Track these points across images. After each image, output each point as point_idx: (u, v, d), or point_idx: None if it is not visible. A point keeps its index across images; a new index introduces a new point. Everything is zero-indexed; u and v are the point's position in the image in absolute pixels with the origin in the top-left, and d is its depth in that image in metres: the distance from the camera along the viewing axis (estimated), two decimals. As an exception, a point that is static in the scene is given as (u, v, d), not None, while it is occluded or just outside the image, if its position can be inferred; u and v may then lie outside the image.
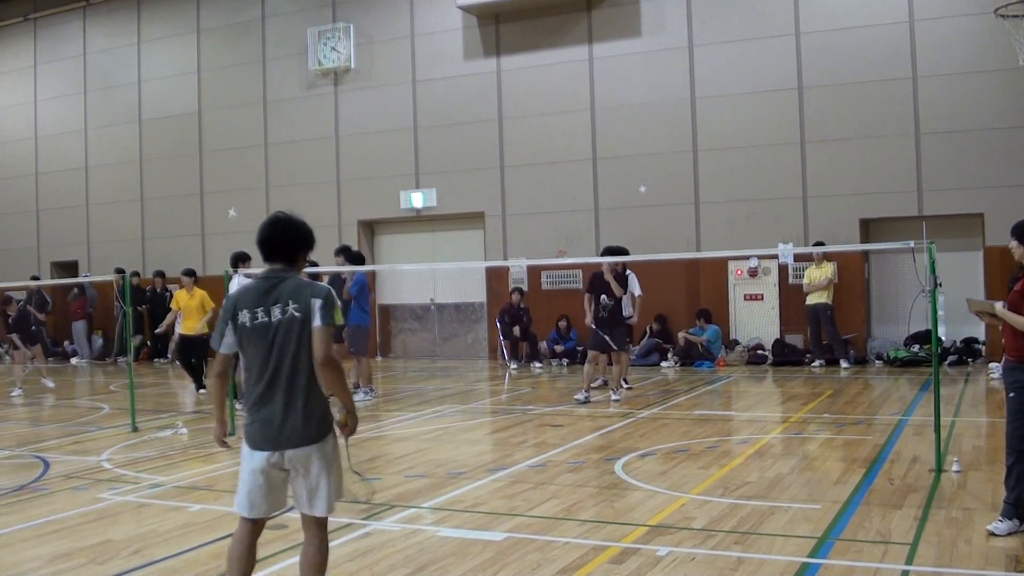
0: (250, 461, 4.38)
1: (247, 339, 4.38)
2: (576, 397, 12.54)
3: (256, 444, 4.36)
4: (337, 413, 4.50)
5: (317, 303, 4.31)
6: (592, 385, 13.19)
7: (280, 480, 4.41)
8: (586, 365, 12.87)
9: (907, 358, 15.64)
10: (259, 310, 4.36)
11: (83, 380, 18.71)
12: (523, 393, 14.21)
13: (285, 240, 4.45)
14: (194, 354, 14.50)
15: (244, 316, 4.38)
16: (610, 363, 13.24)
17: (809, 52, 17.23)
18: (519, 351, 18.29)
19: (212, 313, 14.37)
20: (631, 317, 13.38)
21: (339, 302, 4.49)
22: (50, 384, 15.95)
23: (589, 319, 12.65)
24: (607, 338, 12.45)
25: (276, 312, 4.33)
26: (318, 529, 4.49)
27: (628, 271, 13.87)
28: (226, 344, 4.46)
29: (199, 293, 14.24)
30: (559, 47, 19.22)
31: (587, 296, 12.74)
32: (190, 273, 14.51)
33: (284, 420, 4.32)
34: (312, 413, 4.36)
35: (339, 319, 4.38)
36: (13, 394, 15.20)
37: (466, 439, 10.22)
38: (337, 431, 4.49)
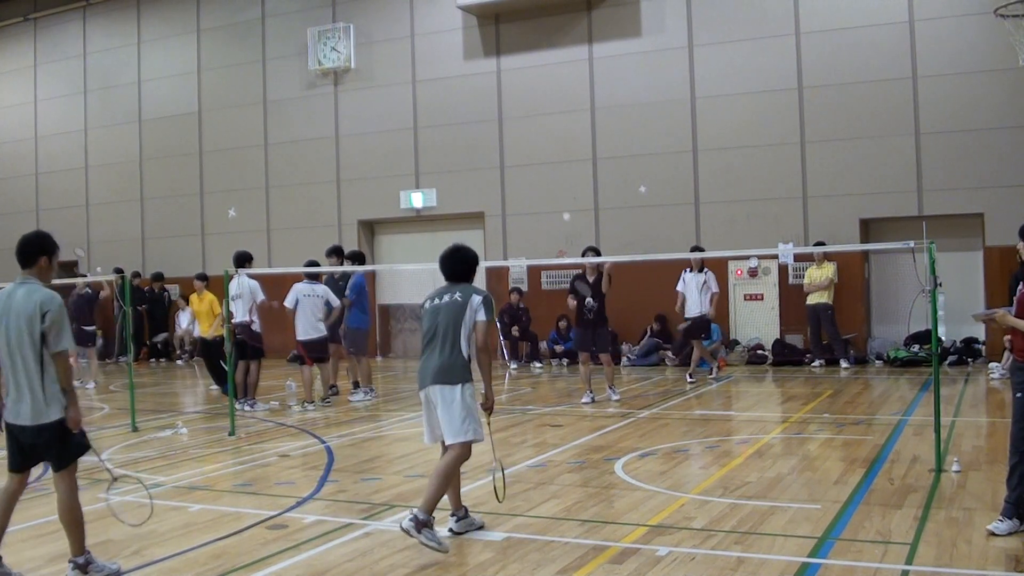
0: (421, 400, 6.18)
1: (425, 315, 6.18)
2: (583, 400, 12.44)
3: (419, 385, 6.13)
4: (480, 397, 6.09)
5: (478, 299, 6.05)
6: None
7: (434, 415, 6.06)
8: (581, 367, 12.83)
9: (907, 358, 15.63)
10: (437, 298, 6.19)
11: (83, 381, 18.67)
12: (523, 393, 14.21)
13: (462, 270, 6.29)
14: (212, 355, 14.54)
15: (429, 303, 6.22)
16: (597, 363, 13.24)
17: (809, 52, 17.23)
18: (519, 351, 18.29)
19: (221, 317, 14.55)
20: (703, 315, 14.51)
21: (494, 303, 6.20)
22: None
23: (573, 315, 12.75)
24: (591, 339, 12.55)
25: (446, 298, 6.14)
26: (449, 451, 5.97)
27: (706, 269, 14.67)
28: None
29: (208, 297, 14.34)
30: (559, 47, 19.21)
31: (570, 297, 12.71)
32: (202, 277, 14.66)
33: (430, 365, 6.03)
34: (448, 362, 5.98)
35: (495, 316, 5.88)
36: (89, 387, 16.13)
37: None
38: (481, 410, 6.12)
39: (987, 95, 16.07)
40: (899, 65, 16.59)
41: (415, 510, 5.71)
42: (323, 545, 6.04)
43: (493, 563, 5.56)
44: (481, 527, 6.26)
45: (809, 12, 17.25)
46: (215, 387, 14.60)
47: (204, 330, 14.39)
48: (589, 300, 12.42)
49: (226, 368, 14.50)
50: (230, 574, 5.53)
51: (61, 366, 5.36)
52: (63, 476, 5.43)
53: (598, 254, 12.85)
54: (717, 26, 17.96)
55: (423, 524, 5.61)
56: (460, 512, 6.23)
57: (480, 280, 19.60)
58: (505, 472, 6.58)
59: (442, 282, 6.33)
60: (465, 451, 6.00)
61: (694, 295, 14.59)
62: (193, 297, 14.65)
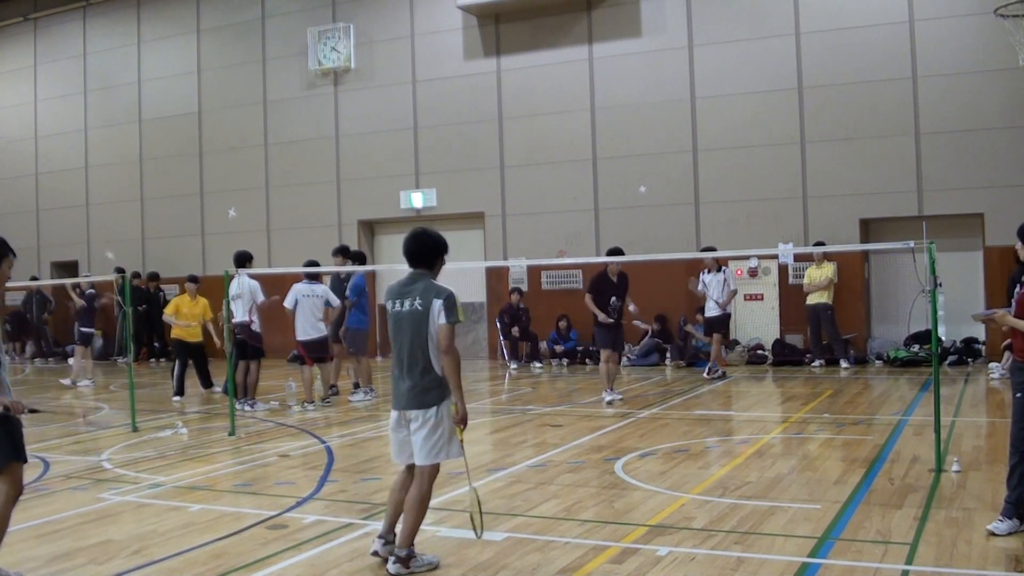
0: (391, 418, 5.66)
1: (389, 323, 5.64)
2: (606, 400, 12.23)
3: (393, 404, 5.66)
4: (450, 406, 5.53)
5: (438, 303, 5.44)
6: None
7: (406, 434, 5.58)
8: (602, 365, 12.60)
9: (907, 358, 15.63)
10: (398, 301, 5.59)
11: (83, 380, 18.66)
12: (523, 393, 14.21)
13: (423, 251, 5.61)
14: (194, 359, 14.58)
15: (390, 304, 5.64)
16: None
17: (809, 52, 17.23)
18: (519, 351, 18.28)
19: (206, 322, 14.59)
20: (727, 312, 14.97)
21: (458, 302, 5.49)
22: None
23: (604, 316, 12.59)
24: (613, 338, 12.41)
25: (407, 304, 5.53)
26: (419, 476, 5.55)
27: (724, 268, 15.00)
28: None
29: (202, 301, 14.29)
30: (559, 47, 19.22)
31: (588, 296, 12.57)
32: (194, 279, 14.58)
33: (402, 387, 5.54)
34: (420, 385, 5.49)
35: (461, 316, 5.46)
36: (85, 384, 16.51)
37: (466, 439, 10.13)
38: (453, 421, 5.53)
39: (987, 95, 16.07)
40: (899, 65, 16.59)
41: (395, 550, 5.42)
42: (323, 545, 6.04)
43: (493, 563, 5.56)
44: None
45: (809, 12, 17.26)
46: (213, 391, 14.63)
47: (190, 334, 14.30)
48: (614, 300, 12.31)
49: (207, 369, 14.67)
50: (230, 574, 5.53)
51: None
52: None
53: (622, 254, 12.71)
54: (717, 26, 17.96)
55: (408, 558, 5.39)
56: (391, 536, 5.68)
57: (480, 280, 19.78)
58: (481, 503, 5.69)
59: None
60: (435, 472, 5.59)
61: (715, 295, 14.90)
62: (184, 299, 14.47)
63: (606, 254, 12.91)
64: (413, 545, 5.49)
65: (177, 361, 14.72)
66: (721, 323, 15.11)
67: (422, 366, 5.49)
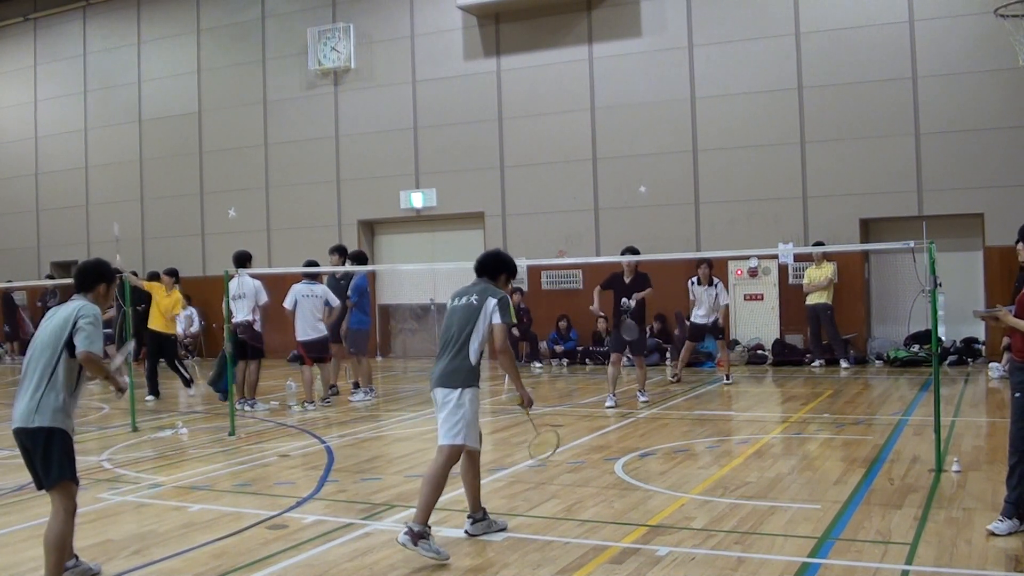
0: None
1: (445, 315, 6.15)
2: (607, 405, 12.05)
3: (430, 386, 6.11)
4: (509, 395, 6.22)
5: (493, 302, 5.95)
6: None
7: None
8: (609, 368, 12.49)
9: (907, 358, 15.63)
10: (458, 298, 6.12)
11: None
12: (523, 393, 14.18)
13: (489, 263, 6.22)
14: (164, 353, 14.38)
15: (449, 303, 6.17)
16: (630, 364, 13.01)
17: (809, 52, 17.23)
18: (519, 351, 18.28)
19: (178, 315, 14.52)
20: (716, 321, 14.36)
21: (511, 304, 6.05)
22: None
23: (596, 306, 12.51)
24: (627, 341, 12.22)
25: (464, 300, 6.05)
26: (438, 454, 5.89)
27: (717, 282, 14.42)
28: None
29: (176, 295, 14.23)
30: (559, 47, 19.22)
31: (598, 289, 12.41)
32: (171, 273, 14.53)
33: (437, 369, 6.00)
34: (451, 367, 5.91)
35: (513, 318, 6.00)
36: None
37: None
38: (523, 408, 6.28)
39: (987, 95, 16.07)
40: (899, 65, 16.59)
41: (409, 522, 5.64)
42: (323, 545, 6.04)
43: (493, 563, 5.56)
44: (503, 529, 6.19)
45: (809, 12, 17.25)
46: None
47: (162, 324, 14.11)
48: (625, 301, 12.12)
49: (179, 367, 14.55)
50: (230, 574, 5.53)
51: (90, 366, 5.24)
52: (53, 496, 5.23)
53: (636, 254, 12.50)
54: (717, 26, 17.96)
55: (419, 536, 5.53)
56: (478, 514, 6.16)
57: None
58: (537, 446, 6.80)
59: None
60: (454, 454, 5.86)
61: (706, 307, 14.38)
62: (160, 290, 14.25)
63: (620, 253, 12.74)
64: (428, 525, 5.65)
65: (149, 358, 14.46)
66: (713, 330, 14.62)
67: (458, 349, 5.92)
